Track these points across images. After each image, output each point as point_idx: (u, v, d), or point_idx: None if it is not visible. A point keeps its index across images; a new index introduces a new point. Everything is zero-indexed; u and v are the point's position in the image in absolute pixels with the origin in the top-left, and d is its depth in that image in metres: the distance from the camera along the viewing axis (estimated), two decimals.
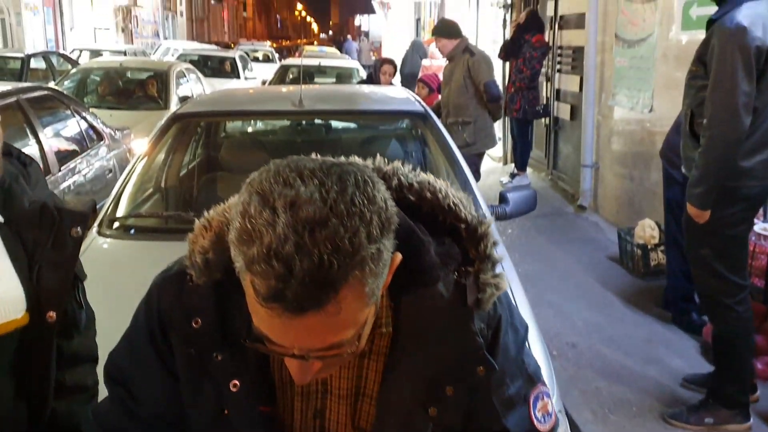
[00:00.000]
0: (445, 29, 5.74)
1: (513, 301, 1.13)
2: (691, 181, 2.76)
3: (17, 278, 1.11)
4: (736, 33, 2.55)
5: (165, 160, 3.74)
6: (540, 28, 7.33)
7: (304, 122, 4.27)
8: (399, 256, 0.87)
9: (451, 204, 0.99)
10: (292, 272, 0.75)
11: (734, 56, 2.55)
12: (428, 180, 1.01)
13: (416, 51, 11.14)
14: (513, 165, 7.92)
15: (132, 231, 2.94)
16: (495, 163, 9.00)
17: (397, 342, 0.98)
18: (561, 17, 7.28)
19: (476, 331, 0.98)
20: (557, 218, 6.26)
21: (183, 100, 8.05)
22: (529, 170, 7.85)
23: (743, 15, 2.56)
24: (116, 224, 2.92)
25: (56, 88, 6.47)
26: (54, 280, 1.13)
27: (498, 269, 1.00)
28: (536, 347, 2.01)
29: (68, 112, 5.40)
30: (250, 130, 4.61)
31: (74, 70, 9.52)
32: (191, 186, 3.93)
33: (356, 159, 0.94)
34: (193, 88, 9.15)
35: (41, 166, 2.24)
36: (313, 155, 0.88)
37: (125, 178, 3.23)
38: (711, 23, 2.71)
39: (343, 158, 0.90)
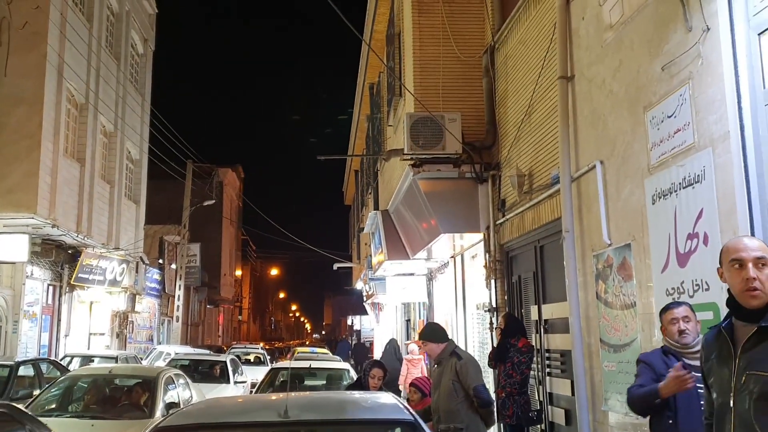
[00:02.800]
0: (432, 334, 5.87)
1: None
2: None
3: None
4: None
5: None
6: (522, 331, 7.51)
7: None
8: None
9: None
10: None
11: None
12: None
13: (393, 349, 11.50)
14: None
15: None
16: None
17: None
18: (546, 321, 7.50)
19: None
20: None
21: (170, 407, 7.91)
22: None
23: None
24: None
25: (14, 405, 6.10)
26: None
27: None
28: None
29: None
30: None
31: (62, 378, 9.44)
32: None
33: None
34: (181, 394, 9.04)
35: None
36: None
37: None
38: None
39: None
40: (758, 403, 2.60)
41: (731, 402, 2.70)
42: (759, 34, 4.15)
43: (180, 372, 10.16)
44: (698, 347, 3.67)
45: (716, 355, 2.85)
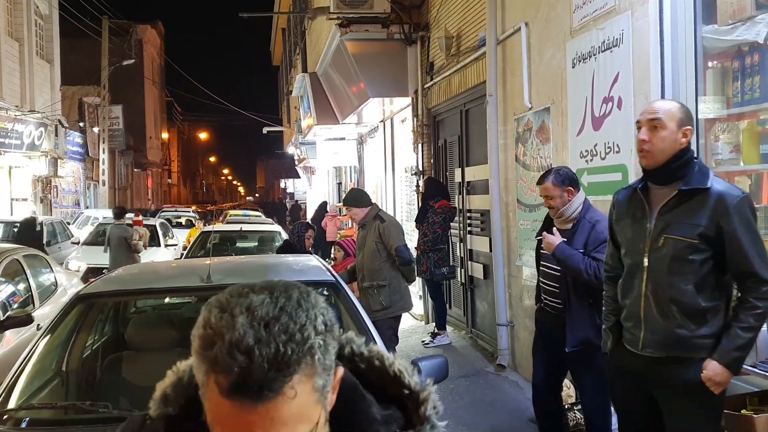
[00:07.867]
0: (356, 199, 5.97)
1: None
2: (734, 346, 2.66)
3: None
4: (749, 199, 2.76)
5: (68, 342, 3.61)
6: (443, 194, 7.74)
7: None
8: (341, 370, 0.99)
9: (397, 371, 1.12)
10: (252, 361, 0.87)
11: (754, 221, 2.74)
12: (378, 350, 1.14)
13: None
14: (434, 324, 8.00)
15: (24, 424, 2.75)
16: (417, 321, 9.06)
17: None
18: (468, 183, 7.72)
19: None
20: (479, 379, 6.25)
21: (7, 305, 5.74)
22: (450, 328, 7.92)
23: (733, 186, 2.89)
24: (5, 417, 2.73)
25: None
26: None
27: None
28: None
29: None
30: (159, 305, 4.53)
31: None
32: (95, 368, 3.77)
33: None
34: (35, 283, 6.30)
35: None
36: None
37: (21, 364, 3.07)
38: (692, 192, 2.74)
39: None
40: (673, 264, 2.74)
41: (645, 261, 2.82)
42: None
43: (36, 252, 7.29)
44: (566, 216, 3.89)
45: (630, 216, 2.93)
